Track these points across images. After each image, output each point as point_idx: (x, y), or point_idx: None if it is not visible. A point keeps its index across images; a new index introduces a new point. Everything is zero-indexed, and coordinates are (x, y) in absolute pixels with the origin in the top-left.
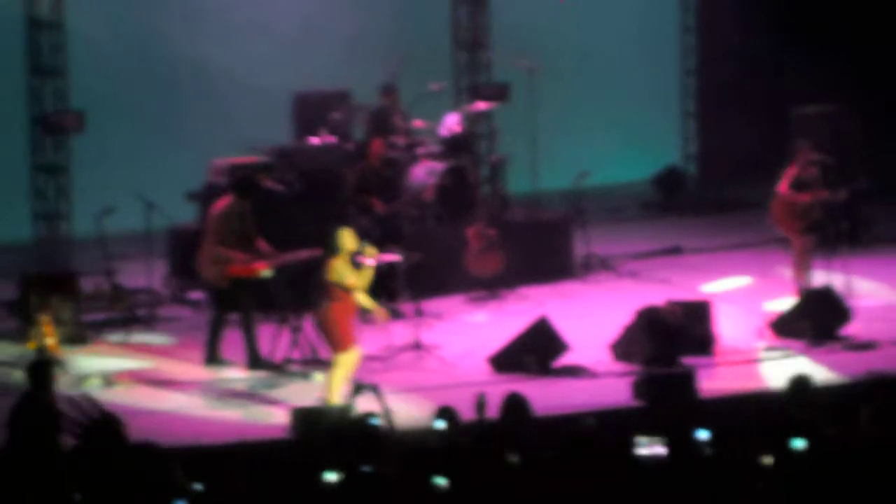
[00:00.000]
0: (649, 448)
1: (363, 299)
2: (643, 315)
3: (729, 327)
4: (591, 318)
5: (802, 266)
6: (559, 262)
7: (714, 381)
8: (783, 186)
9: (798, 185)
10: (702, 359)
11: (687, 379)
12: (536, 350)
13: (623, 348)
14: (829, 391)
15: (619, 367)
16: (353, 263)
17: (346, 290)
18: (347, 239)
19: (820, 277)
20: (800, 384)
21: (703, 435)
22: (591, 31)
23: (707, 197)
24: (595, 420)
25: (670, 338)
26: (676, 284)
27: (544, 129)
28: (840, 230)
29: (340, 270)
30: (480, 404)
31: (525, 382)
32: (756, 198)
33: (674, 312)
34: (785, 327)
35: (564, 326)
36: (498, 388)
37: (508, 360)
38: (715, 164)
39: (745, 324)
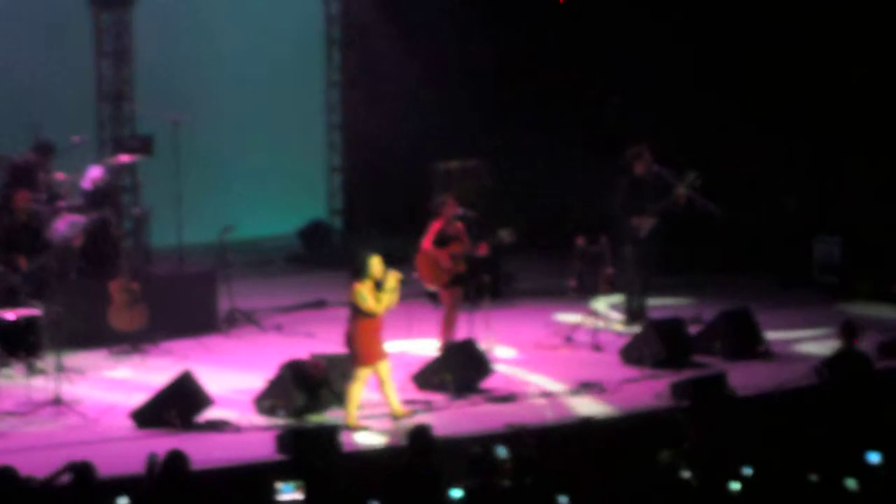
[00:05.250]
0: (290, 495)
1: (389, 298)
2: (288, 368)
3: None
4: (236, 373)
5: (449, 319)
6: (203, 316)
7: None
8: (427, 242)
9: (442, 240)
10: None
11: (332, 432)
12: (179, 404)
13: (268, 402)
14: (471, 442)
15: (264, 421)
16: (376, 288)
17: (367, 313)
18: (376, 266)
19: (462, 330)
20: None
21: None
22: (237, 84)
23: (352, 251)
24: None
25: (315, 391)
26: (321, 338)
27: (189, 182)
28: (482, 284)
29: (363, 294)
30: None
31: (167, 437)
32: (401, 252)
33: (318, 365)
34: (427, 380)
35: (208, 381)
36: (140, 444)
37: (151, 414)
38: (360, 218)
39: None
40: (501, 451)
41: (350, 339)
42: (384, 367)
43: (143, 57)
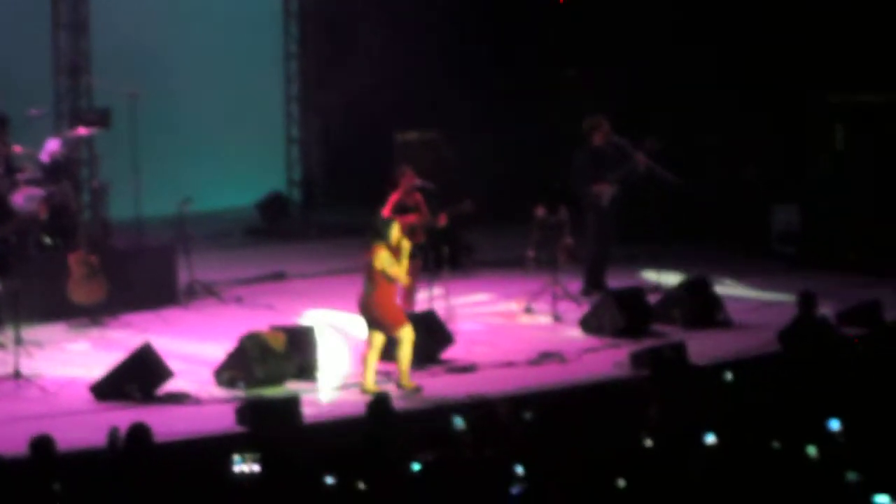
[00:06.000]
0: (245, 466)
1: (406, 264)
2: (247, 340)
3: (332, 353)
4: (196, 345)
5: (408, 291)
6: (163, 288)
7: (318, 406)
8: (386, 212)
9: (400, 211)
10: (306, 384)
11: (291, 403)
12: (139, 377)
13: (227, 374)
14: (431, 414)
15: (224, 393)
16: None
17: (390, 279)
18: (396, 231)
19: (422, 301)
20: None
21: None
22: (194, 56)
23: (311, 222)
24: None
25: (274, 363)
26: (281, 309)
27: (147, 154)
28: (441, 255)
29: (387, 259)
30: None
31: (127, 410)
32: (360, 223)
33: (278, 337)
34: (387, 351)
35: (168, 353)
36: (100, 417)
37: (110, 388)
38: (319, 189)
39: (347, 350)
40: (459, 423)
41: (377, 307)
42: (381, 338)
43: (100, 29)
